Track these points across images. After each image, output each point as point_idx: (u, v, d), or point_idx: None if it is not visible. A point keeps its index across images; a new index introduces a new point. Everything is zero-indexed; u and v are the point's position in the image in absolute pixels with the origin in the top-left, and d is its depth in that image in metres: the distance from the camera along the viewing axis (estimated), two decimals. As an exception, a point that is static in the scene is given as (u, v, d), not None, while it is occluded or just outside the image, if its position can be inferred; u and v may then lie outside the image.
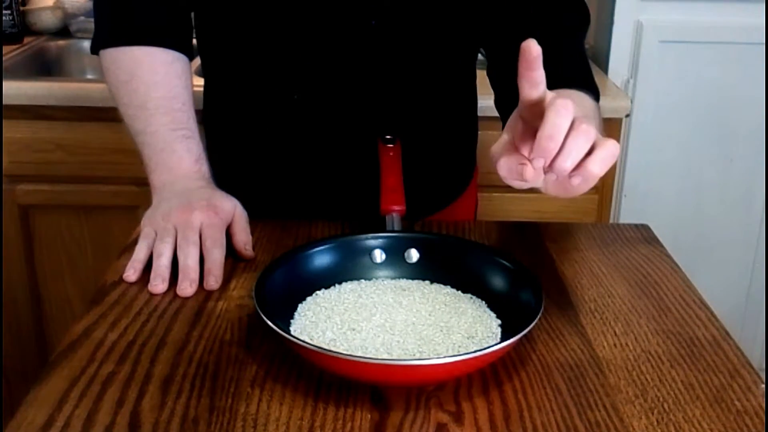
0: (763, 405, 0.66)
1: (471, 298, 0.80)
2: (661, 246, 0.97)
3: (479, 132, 1.20)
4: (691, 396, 0.67)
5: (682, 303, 0.83)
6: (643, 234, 1.00)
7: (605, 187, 1.72)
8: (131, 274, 0.84)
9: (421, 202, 0.98)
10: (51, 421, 0.62)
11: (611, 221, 1.86)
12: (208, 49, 1.09)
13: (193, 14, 1.06)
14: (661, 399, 0.67)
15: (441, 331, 0.73)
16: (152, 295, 0.82)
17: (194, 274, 0.83)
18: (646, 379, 0.69)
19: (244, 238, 0.90)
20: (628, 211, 2.00)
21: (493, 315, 0.77)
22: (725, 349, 0.75)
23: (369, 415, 0.64)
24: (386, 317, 0.75)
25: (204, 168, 0.96)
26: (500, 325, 0.75)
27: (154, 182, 0.95)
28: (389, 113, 1.02)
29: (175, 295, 0.82)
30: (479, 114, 1.13)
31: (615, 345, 0.75)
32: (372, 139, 0.98)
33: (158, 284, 0.82)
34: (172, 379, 0.68)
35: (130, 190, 1.61)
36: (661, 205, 2.00)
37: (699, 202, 2.01)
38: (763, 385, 0.69)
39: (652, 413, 0.65)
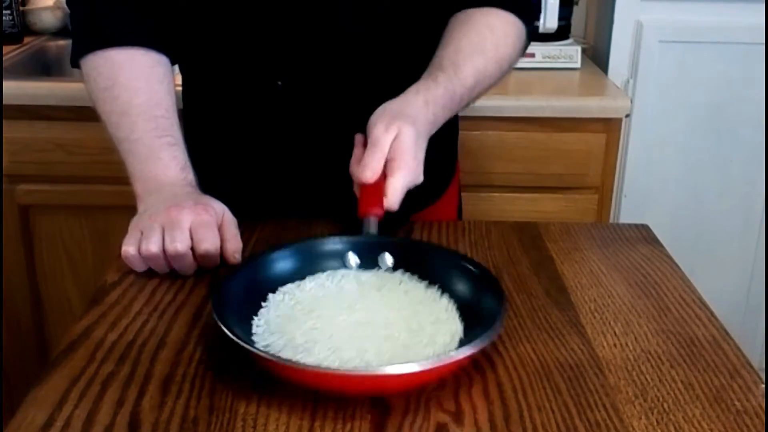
0: (763, 405, 0.66)
1: (442, 302, 0.77)
2: (661, 246, 0.97)
3: (460, 132, 1.20)
4: (690, 396, 0.67)
5: (682, 303, 0.83)
6: (643, 234, 1.00)
7: (605, 187, 1.72)
8: (131, 255, 0.84)
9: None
10: (51, 421, 0.62)
11: (611, 221, 1.86)
12: (187, 42, 1.05)
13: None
14: (661, 399, 0.67)
15: (398, 337, 0.72)
16: (152, 294, 0.82)
17: (190, 261, 0.83)
18: (646, 379, 0.69)
19: (234, 245, 0.87)
20: (628, 211, 2.00)
21: (460, 322, 0.74)
22: (725, 349, 0.75)
23: (369, 415, 0.64)
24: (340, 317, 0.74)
25: (190, 176, 0.95)
26: (462, 333, 0.73)
27: (138, 190, 0.93)
28: (370, 103, 0.98)
29: (175, 295, 0.82)
30: (460, 114, 1.12)
31: (615, 345, 0.75)
32: (356, 131, 0.94)
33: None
34: (172, 379, 0.68)
35: (130, 190, 1.60)
36: (661, 205, 2.00)
37: (699, 202, 2.01)
38: (763, 385, 0.69)
39: (652, 413, 0.65)
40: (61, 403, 0.64)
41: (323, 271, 0.81)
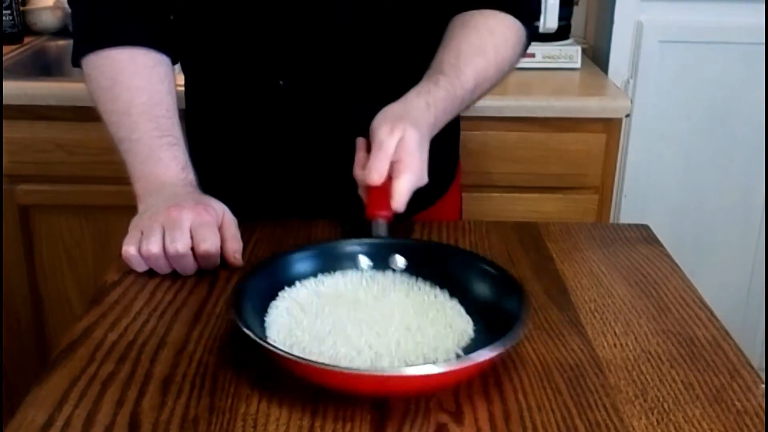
0: (763, 405, 0.66)
1: (453, 304, 0.77)
2: (661, 246, 0.97)
3: (462, 132, 1.20)
4: (691, 396, 0.67)
5: (682, 303, 0.83)
6: (643, 234, 1.00)
7: (605, 187, 1.72)
8: (131, 255, 0.84)
9: None
10: (51, 421, 0.62)
11: (611, 221, 1.86)
12: (188, 42, 1.05)
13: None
14: (661, 399, 0.67)
15: (411, 336, 0.71)
16: (152, 294, 0.82)
17: (190, 261, 0.83)
18: (646, 379, 0.69)
19: (234, 246, 0.87)
20: (628, 211, 2.00)
21: (471, 325, 0.74)
22: (725, 349, 0.75)
23: (369, 415, 0.64)
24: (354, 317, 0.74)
25: (191, 176, 0.95)
26: (475, 336, 0.73)
27: (138, 191, 0.93)
28: (371, 103, 0.95)
29: (175, 295, 0.82)
30: (461, 113, 1.13)
31: (615, 345, 0.75)
32: (357, 131, 0.93)
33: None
34: (172, 379, 0.68)
35: (130, 190, 1.60)
36: (661, 205, 2.00)
37: (699, 202, 2.01)
38: (763, 385, 0.69)
39: (652, 413, 0.65)
40: (61, 403, 0.64)
41: (335, 272, 0.81)
